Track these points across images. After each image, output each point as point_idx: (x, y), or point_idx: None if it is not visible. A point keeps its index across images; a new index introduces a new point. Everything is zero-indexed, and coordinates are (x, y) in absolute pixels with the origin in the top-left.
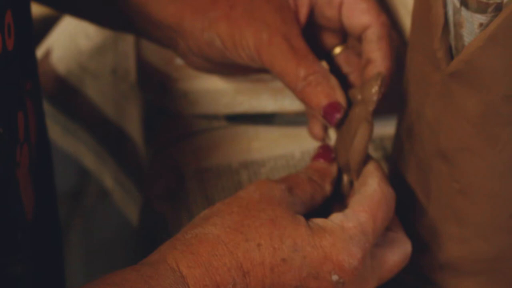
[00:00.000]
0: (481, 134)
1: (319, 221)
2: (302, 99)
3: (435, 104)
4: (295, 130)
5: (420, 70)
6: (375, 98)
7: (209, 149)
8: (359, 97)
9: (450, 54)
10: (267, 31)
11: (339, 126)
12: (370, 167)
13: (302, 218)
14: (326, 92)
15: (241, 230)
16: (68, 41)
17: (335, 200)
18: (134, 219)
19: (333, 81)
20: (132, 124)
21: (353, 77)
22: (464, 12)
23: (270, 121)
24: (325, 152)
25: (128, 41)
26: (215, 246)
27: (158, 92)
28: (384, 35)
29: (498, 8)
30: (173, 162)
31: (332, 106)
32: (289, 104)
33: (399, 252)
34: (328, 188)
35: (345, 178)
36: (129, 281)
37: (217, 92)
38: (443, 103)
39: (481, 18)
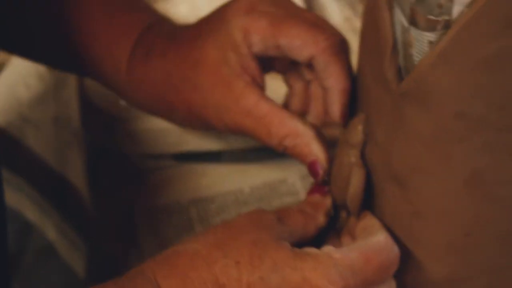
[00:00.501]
0: (434, 153)
1: (306, 248)
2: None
3: (386, 126)
4: (244, 166)
5: (370, 94)
6: (360, 141)
7: (157, 187)
8: (341, 136)
9: (400, 76)
10: (227, 116)
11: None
12: (378, 224)
13: (286, 244)
14: (304, 152)
15: (221, 247)
16: (7, 92)
17: (333, 235)
18: (81, 270)
19: (307, 136)
20: (76, 172)
21: (314, 86)
22: (413, 31)
23: (217, 159)
24: (318, 187)
25: (70, 87)
26: (193, 259)
27: (104, 134)
28: (330, 60)
29: (447, 25)
30: (121, 202)
31: (312, 166)
32: (235, 141)
33: None
34: (322, 219)
35: (343, 214)
36: None
37: (163, 131)
38: (395, 125)
39: (430, 36)
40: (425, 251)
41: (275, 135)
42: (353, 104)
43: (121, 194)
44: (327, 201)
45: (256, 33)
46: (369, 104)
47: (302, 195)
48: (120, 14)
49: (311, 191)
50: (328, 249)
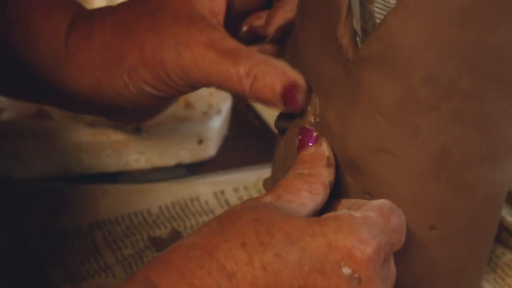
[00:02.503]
0: (398, 128)
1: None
2: (256, 99)
3: (339, 104)
4: (149, 185)
5: (317, 71)
6: (312, 123)
7: (51, 212)
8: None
9: (355, 43)
10: (187, 50)
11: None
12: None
13: (295, 216)
14: (277, 78)
15: (220, 233)
16: None
17: None
18: None
19: (280, 63)
20: None
21: None
22: None
23: (114, 180)
24: (306, 136)
25: None
26: (189, 250)
27: None
28: None
29: None
30: (13, 231)
31: (290, 89)
32: (135, 161)
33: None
34: (325, 172)
35: None
36: None
37: (52, 150)
38: (349, 100)
39: None
40: None
41: (243, 64)
42: None
43: (11, 223)
44: (323, 148)
45: None
46: (316, 84)
47: (218, 213)
48: None
49: (299, 147)
50: (343, 211)
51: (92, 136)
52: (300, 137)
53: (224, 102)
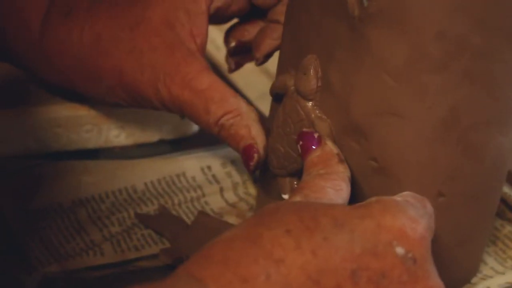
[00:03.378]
0: (406, 88)
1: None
2: (225, 142)
3: (342, 65)
4: (132, 160)
5: (319, 31)
6: (313, 88)
7: (30, 189)
8: (292, 86)
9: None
10: (164, 89)
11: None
12: None
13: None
14: (240, 134)
15: (261, 224)
16: None
17: None
18: None
19: (248, 118)
20: None
21: None
22: None
23: (95, 157)
24: (307, 140)
25: None
26: (231, 243)
27: None
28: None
29: None
30: None
31: (247, 151)
32: (115, 136)
33: None
34: (340, 168)
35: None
36: None
37: (28, 125)
38: (354, 60)
39: None
40: None
41: (214, 112)
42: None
43: None
44: (329, 147)
45: None
46: (318, 44)
47: (206, 189)
48: None
49: (303, 151)
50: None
51: (70, 110)
52: (301, 142)
53: None
